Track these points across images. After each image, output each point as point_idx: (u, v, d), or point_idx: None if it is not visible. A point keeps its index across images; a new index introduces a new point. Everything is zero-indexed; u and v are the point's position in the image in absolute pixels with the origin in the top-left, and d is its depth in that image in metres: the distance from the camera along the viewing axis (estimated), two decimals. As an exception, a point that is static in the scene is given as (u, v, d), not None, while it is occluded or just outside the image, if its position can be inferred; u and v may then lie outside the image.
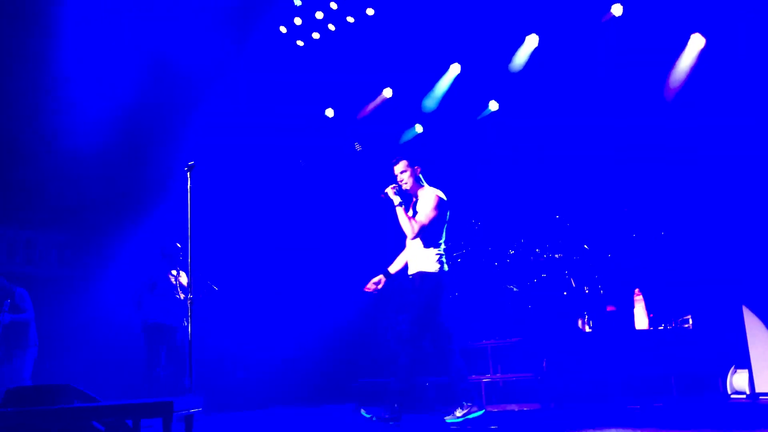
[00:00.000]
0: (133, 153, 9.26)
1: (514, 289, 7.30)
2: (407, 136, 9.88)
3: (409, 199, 5.57)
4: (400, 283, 5.76)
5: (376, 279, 5.56)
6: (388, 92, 9.84)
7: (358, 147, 10.09)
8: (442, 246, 5.42)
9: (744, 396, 5.98)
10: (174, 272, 7.26)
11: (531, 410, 6.13)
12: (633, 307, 6.94)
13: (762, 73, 7.22)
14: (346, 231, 9.47)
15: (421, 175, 5.55)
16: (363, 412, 5.37)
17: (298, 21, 9.79)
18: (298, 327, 8.98)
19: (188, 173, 5.09)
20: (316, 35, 9.87)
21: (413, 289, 5.35)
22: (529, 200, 8.26)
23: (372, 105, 9.95)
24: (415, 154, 5.66)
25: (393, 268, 5.62)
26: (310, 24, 9.81)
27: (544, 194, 8.18)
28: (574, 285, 7.22)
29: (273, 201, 9.64)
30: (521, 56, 8.82)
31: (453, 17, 9.06)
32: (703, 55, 7.79)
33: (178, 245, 7.25)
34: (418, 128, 9.80)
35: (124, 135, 9.14)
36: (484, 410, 5.14)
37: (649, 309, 6.88)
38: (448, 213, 5.49)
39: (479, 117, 9.31)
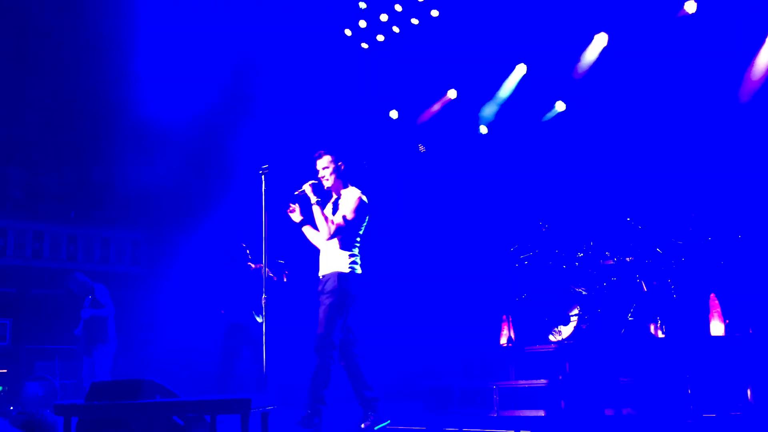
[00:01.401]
0: (205, 154, 9.49)
1: (583, 293, 7.19)
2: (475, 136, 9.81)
3: (327, 197, 5.37)
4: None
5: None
6: (452, 93, 9.82)
7: (422, 148, 10.09)
8: (356, 249, 5.23)
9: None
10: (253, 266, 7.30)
11: (616, 415, 6.04)
12: (708, 312, 6.75)
13: None
14: (411, 232, 9.48)
15: (342, 171, 5.34)
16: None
17: (362, 24, 9.87)
18: (373, 325, 9.02)
19: (263, 176, 5.19)
20: (380, 37, 9.93)
21: (323, 291, 5.14)
22: (599, 202, 8.11)
23: (436, 107, 9.94)
24: (341, 150, 5.45)
25: (306, 230, 5.41)
26: (375, 26, 9.87)
27: (614, 196, 8.03)
28: (645, 289, 7.06)
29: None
30: (590, 55, 8.68)
31: (519, 16, 8.97)
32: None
33: (243, 245, 7.33)
34: (483, 130, 9.74)
35: (197, 136, 9.38)
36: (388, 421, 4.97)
37: (726, 315, 6.68)
38: (368, 217, 5.30)
39: (546, 118, 9.20)
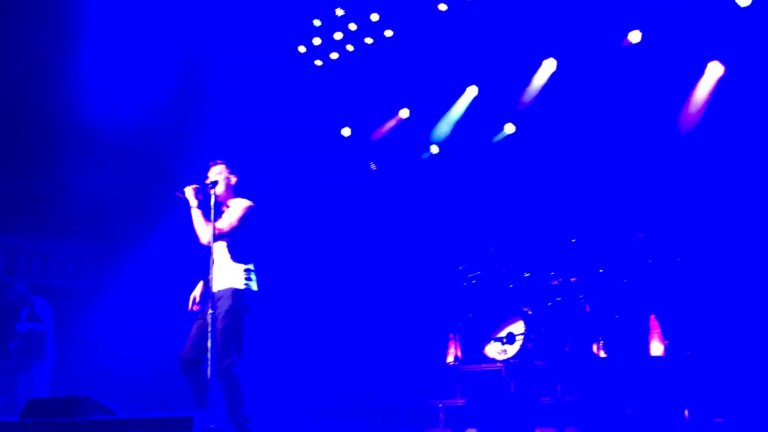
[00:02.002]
0: (150, 167, 9.34)
1: (529, 313, 7.29)
2: (423, 156, 9.92)
3: (209, 205, 5.12)
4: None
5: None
6: (405, 113, 9.91)
7: (373, 166, 10.14)
8: (252, 264, 5.08)
9: None
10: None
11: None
12: (648, 333, 6.92)
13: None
14: (361, 249, 9.49)
15: (233, 185, 5.26)
16: None
17: (317, 41, 9.90)
18: (323, 342, 8.97)
19: (211, 190, 5.12)
20: (334, 55, 9.97)
21: (215, 310, 4.89)
22: (545, 223, 8.26)
23: (388, 125, 10.02)
24: (237, 164, 5.38)
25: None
26: (329, 44, 9.92)
27: (560, 218, 8.19)
28: (588, 309, 7.21)
29: (289, 218, 9.68)
30: (539, 79, 8.88)
31: (471, 40, 9.14)
32: (721, 83, 7.83)
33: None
34: (434, 149, 9.85)
35: (141, 149, 9.23)
36: None
37: (665, 336, 6.86)
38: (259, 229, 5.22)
39: (495, 139, 9.36)
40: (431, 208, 9.37)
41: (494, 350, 7.26)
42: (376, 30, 9.65)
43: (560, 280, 7.53)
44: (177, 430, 3.77)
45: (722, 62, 7.82)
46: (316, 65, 10.06)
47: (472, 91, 9.46)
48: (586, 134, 8.43)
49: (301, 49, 9.94)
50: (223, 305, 4.93)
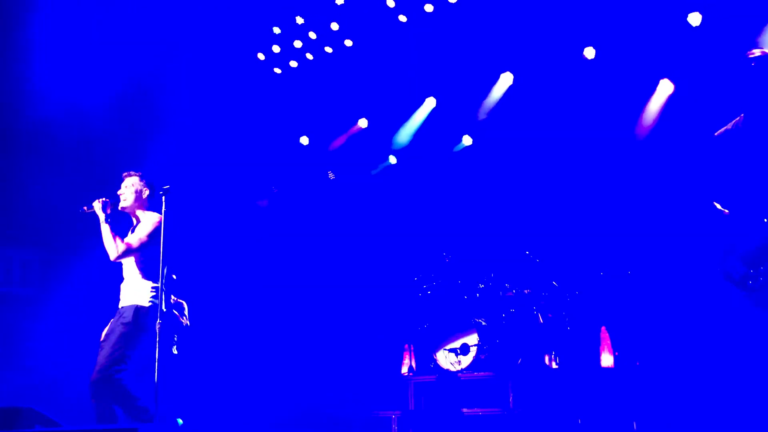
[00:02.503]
0: (102, 173, 9.16)
1: (483, 323, 7.34)
2: (380, 166, 9.95)
3: (117, 218, 5.18)
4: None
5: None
6: (363, 122, 9.92)
7: (331, 175, 10.12)
8: (156, 282, 5.00)
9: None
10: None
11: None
12: (599, 344, 7.02)
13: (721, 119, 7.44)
14: (316, 258, 9.45)
15: (145, 198, 5.21)
16: None
17: (276, 49, 9.86)
18: (268, 356, 8.88)
19: (163, 197, 5.05)
20: (293, 63, 9.95)
21: (120, 323, 4.91)
22: (500, 235, 8.34)
23: (347, 135, 10.02)
24: (153, 177, 5.34)
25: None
26: (288, 52, 9.88)
27: (514, 230, 8.28)
28: (541, 321, 7.29)
29: (245, 227, 9.60)
30: (496, 92, 8.99)
31: (431, 52, 9.22)
32: (671, 99, 8.03)
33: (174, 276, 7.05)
34: (392, 159, 9.88)
35: (94, 155, 9.05)
36: None
37: (615, 347, 6.97)
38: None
39: (453, 151, 9.43)
40: (387, 217, 9.38)
41: (448, 361, 7.29)
42: (336, 39, 9.65)
43: (514, 291, 7.60)
44: (121, 442, 3.69)
45: (672, 81, 8.02)
46: (275, 73, 10.01)
47: (430, 103, 9.52)
48: (542, 147, 8.55)
49: (260, 56, 9.89)
50: (126, 321, 4.88)
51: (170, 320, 6.50)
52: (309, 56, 9.85)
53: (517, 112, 8.85)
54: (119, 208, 5.16)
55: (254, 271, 9.34)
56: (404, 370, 7.93)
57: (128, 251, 4.94)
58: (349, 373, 8.24)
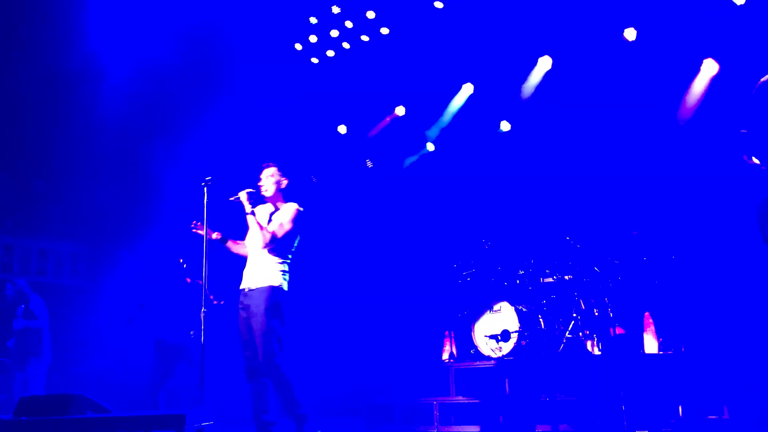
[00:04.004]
0: (147, 166, 9.36)
1: (524, 310, 7.31)
2: (419, 153, 9.93)
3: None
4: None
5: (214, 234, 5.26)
6: (400, 110, 9.92)
7: (369, 164, 10.15)
8: (287, 265, 5.21)
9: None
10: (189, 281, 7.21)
11: (553, 431, 6.13)
12: (643, 330, 6.93)
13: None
14: (356, 247, 9.50)
15: (284, 188, 5.37)
16: None
17: (313, 38, 9.91)
18: (312, 340, 8.98)
19: (205, 188, 5.14)
20: (330, 53, 9.98)
21: (251, 306, 5.05)
22: (540, 221, 8.28)
23: (385, 122, 10.03)
24: (288, 167, 5.49)
25: (231, 246, 5.37)
26: (326, 42, 9.92)
27: (555, 216, 8.20)
28: (583, 307, 7.22)
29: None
30: (535, 77, 8.89)
31: (467, 38, 9.15)
32: (715, 80, 7.83)
33: (180, 261, 7.20)
34: (430, 146, 9.86)
35: (139, 149, 9.24)
36: None
37: (659, 333, 6.87)
38: (299, 236, 5.29)
39: (492, 137, 9.36)
40: (426, 205, 9.38)
41: (489, 348, 7.28)
42: (372, 27, 9.65)
43: (555, 277, 7.54)
44: (169, 427, 3.79)
45: (717, 60, 7.82)
46: (312, 63, 10.06)
47: (467, 89, 9.46)
48: (582, 131, 8.44)
49: (298, 46, 9.95)
50: (262, 303, 5.02)
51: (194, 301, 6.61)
52: (346, 45, 9.87)
53: (556, 96, 8.74)
54: (263, 196, 5.34)
55: (295, 260, 9.43)
56: (445, 356, 7.95)
57: (273, 239, 5.09)
58: (390, 360, 8.29)
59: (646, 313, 7.01)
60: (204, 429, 4.24)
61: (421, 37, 9.42)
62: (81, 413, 4.00)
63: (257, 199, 5.24)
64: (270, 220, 5.26)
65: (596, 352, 7.02)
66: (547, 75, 8.82)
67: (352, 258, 9.38)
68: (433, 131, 9.75)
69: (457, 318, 7.89)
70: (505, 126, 9.24)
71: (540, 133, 8.81)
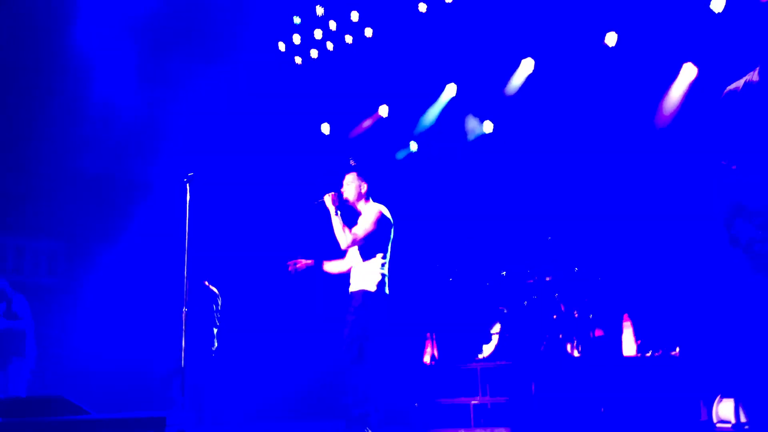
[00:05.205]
0: (125, 162, 9.29)
1: (505, 311, 7.35)
2: (401, 154, 9.94)
3: (346, 211, 5.53)
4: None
5: (305, 261, 5.54)
6: (384, 110, 9.92)
7: (352, 163, 10.13)
8: (386, 267, 5.36)
9: (729, 425, 6.03)
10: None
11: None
12: (622, 332, 7.00)
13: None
14: (338, 249, 9.48)
15: (364, 192, 5.53)
16: None
17: (296, 39, 9.88)
18: (292, 342, 8.97)
19: (187, 184, 5.13)
20: (314, 53, 9.96)
21: (352, 309, 5.26)
22: (521, 222, 8.32)
23: (367, 122, 10.03)
24: (367, 172, 5.65)
25: (327, 267, 5.63)
26: (309, 42, 9.90)
27: (535, 216, 8.25)
28: (563, 309, 7.28)
29: (267, 216, 9.66)
30: (517, 79, 8.94)
31: (451, 39, 9.18)
32: (695, 84, 7.93)
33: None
34: (413, 146, 9.88)
35: (117, 145, 9.17)
36: None
37: (638, 335, 6.94)
38: (392, 232, 5.47)
39: (473, 138, 9.40)
40: (407, 205, 9.39)
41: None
42: (356, 29, 9.65)
43: (536, 278, 7.59)
44: (150, 430, 3.76)
45: (696, 64, 7.91)
46: (296, 63, 10.04)
47: (450, 90, 9.49)
48: (564, 133, 8.50)
49: (281, 46, 9.92)
50: (354, 306, 5.23)
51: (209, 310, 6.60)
52: (329, 46, 9.86)
53: (537, 98, 8.80)
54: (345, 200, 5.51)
55: (280, 260, 9.38)
56: (426, 359, 7.96)
57: (355, 241, 5.29)
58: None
59: (625, 315, 7.07)
60: (185, 431, 4.22)
61: (405, 38, 9.43)
62: (60, 415, 3.95)
63: (340, 201, 5.42)
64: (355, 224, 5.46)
65: (576, 354, 7.08)
66: (530, 77, 8.87)
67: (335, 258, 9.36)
68: (416, 132, 9.77)
69: (438, 320, 7.91)
70: (487, 127, 9.28)
71: (522, 134, 8.86)
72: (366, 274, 5.30)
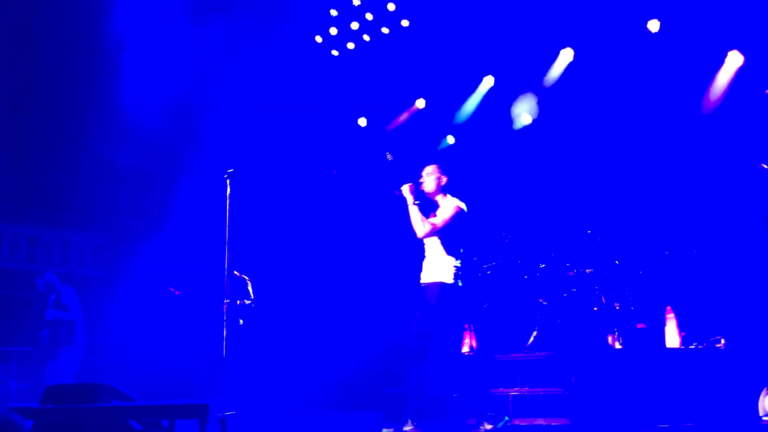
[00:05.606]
0: (169, 157, 9.43)
1: (544, 303, 7.29)
2: (440, 146, 9.91)
3: (425, 203, 5.57)
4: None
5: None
6: (421, 103, 9.89)
7: (389, 157, 10.13)
8: (459, 261, 5.38)
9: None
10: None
11: (559, 425, 6.11)
12: (665, 324, 6.88)
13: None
14: (379, 240, 9.51)
15: (443, 184, 5.57)
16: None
17: (333, 31, 9.91)
18: (334, 333, 9.01)
19: (227, 180, 5.18)
20: (351, 45, 9.97)
21: (423, 300, 5.29)
22: (561, 214, 8.23)
23: (404, 115, 10.01)
24: (449, 165, 5.66)
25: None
26: (346, 34, 9.91)
27: (576, 209, 8.16)
28: (604, 301, 7.19)
29: (306, 209, 9.72)
30: (556, 69, 8.83)
31: (488, 30, 9.10)
32: (741, 72, 7.74)
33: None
34: (450, 139, 9.83)
35: (161, 140, 9.30)
36: None
37: (682, 327, 6.82)
38: (468, 227, 5.49)
39: (512, 129, 9.32)
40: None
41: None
42: (392, 20, 9.63)
43: (576, 271, 7.50)
44: (193, 416, 3.83)
45: (742, 52, 7.72)
46: (332, 55, 10.06)
47: (488, 81, 9.42)
48: (604, 124, 8.37)
49: (318, 39, 9.95)
50: (429, 298, 5.25)
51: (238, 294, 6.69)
52: (366, 37, 9.86)
53: (577, 89, 8.68)
54: (424, 191, 5.59)
55: (324, 251, 9.46)
56: (465, 349, 7.94)
57: (433, 231, 5.33)
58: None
59: (668, 307, 6.95)
60: (226, 418, 4.28)
61: (442, 29, 9.38)
62: (107, 401, 4.04)
63: (418, 192, 5.48)
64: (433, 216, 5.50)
65: (617, 346, 6.99)
66: (569, 67, 8.75)
67: (375, 250, 9.39)
68: (454, 124, 9.72)
69: (477, 311, 7.87)
70: (526, 119, 9.19)
71: (561, 125, 8.75)
72: (442, 266, 5.32)
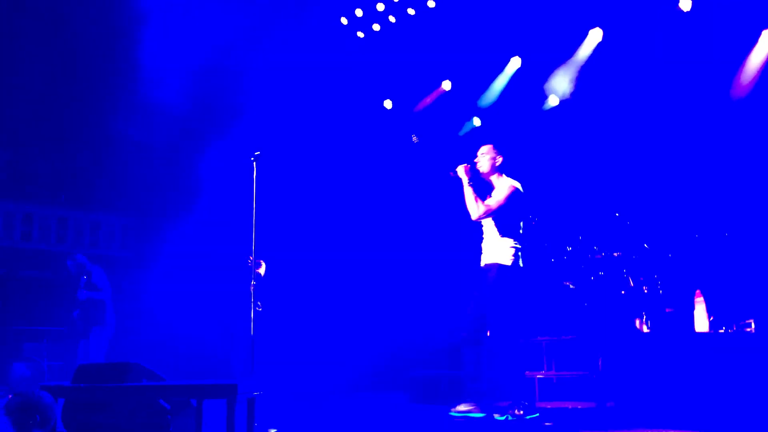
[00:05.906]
0: (196, 140, 9.48)
1: (571, 286, 7.24)
2: (465, 129, 9.85)
3: (479, 183, 5.50)
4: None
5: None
6: (447, 85, 9.82)
7: (415, 139, 10.10)
8: (517, 242, 5.28)
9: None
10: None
11: (585, 408, 6.09)
12: (693, 308, 6.80)
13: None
14: (404, 222, 9.50)
15: (498, 165, 5.47)
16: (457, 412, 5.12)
17: (359, 12, 9.85)
18: (361, 317, 9.06)
19: (254, 163, 5.18)
20: (376, 27, 9.91)
21: (487, 283, 5.22)
22: (589, 197, 8.15)
23: (430, 97, 9.95)
24: (504, 145, 5.57)
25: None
26: (371, 15, 9.85)
27: (603, 191, 8.06)
28: (632, 284, 7.12)
29: (333, 192, 9.74)
30: (585, 50, 8.70)
31: (514, 10, 8.98)
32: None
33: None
34: (476, 121, 9.76)
35: (188, 122, 9.36)
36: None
37: (710, 311, 6.74)
38: (525, 207, 5.41)
39: (539, 111, 9.22)
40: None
41: None
42: (418, 1, 9.54)
43: (603, 254, 7.43)
44: (222, 396, 3.87)
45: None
46: (358, 37, 10.01)
47: (515, 62, 9.32)
48: (633, 106, 8.24)
49: (344, 20, 9.90)
50: (490, 279, 5.21)
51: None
52: (392, 19, 9.79)
53: (606, 69, 8.54)
54: (479, 171, 5.51)
55: (357, 234, 9.48)
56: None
57: (487, 212, 5.27)
58: (437, 334, 8.29)
59: (697, 291, 6.87)
60: (254, 398, 4.33)
61: (468, 10, 9.27)
62: (137, 381, 4.10)
63: (474, 173, 5.41)
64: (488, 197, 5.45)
65: (645, 329, 6.93)
66: (598, 47, 8.61)
67: (403, 234, 9.40)
68: (480, 105, 9.64)
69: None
70: (553, 101, 9.08)
71: (589, 107, 8.63)
72: (501, 248, 5.25)
